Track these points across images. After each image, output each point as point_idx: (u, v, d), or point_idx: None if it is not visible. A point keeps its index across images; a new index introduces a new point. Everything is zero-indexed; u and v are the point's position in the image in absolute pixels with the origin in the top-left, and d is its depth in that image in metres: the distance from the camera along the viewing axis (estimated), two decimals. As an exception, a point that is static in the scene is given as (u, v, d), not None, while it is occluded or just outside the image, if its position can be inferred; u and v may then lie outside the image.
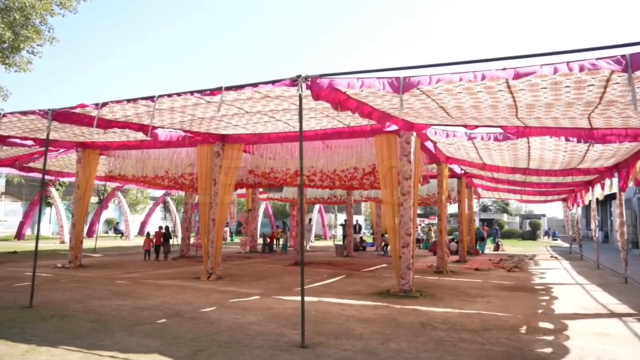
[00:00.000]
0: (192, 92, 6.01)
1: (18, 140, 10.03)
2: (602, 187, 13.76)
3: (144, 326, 5.68)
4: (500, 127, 8.34)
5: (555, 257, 20.08)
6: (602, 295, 9.31)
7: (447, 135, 9.18)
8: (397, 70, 5.21)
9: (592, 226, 15.58)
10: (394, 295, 8.61)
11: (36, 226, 29.28)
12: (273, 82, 5.43)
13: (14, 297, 7.53)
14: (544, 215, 53.83)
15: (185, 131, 9.57)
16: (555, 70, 4.51)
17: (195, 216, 17.18)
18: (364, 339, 5.34)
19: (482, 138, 8.95)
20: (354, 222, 23.14)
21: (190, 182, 12.96)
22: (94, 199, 33.33)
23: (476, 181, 18.61)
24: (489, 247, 24.20)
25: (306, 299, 8.13)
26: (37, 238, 6.98)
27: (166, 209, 36.30)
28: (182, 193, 25.09)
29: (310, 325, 5.95)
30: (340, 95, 6.11)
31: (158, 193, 35.36)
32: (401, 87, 5.06)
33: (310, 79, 5.28)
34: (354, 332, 5.64)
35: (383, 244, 20.45)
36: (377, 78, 5.17)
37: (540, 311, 7.43)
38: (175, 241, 17.86)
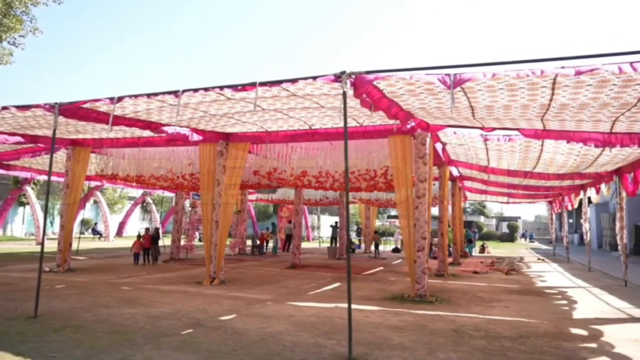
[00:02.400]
0: (221, 87, 5.64)
1: (5, 138, 9.38)
2: (597, 191, 13.97)
3: (170, 338, 5.27)
4: (519, 129, 8.27)
5: (543, 260, 20.37)
6: (610, 298, 9.34)
7: (463, 135, 9.04)
8: (443, 68, 5.00)
9: (585, 229, 15.82)
10: (410, 300, 8.40)
11: (9, 226, 27.97)
12: (314, 78, 5.13)
13: (10, 305, 6.95)
14: (519, 218, 55.01)
15: (191, 129, 9.11)
16: (620, 70, 4.38)
17: (185, 217, 16.57)
18: (407, 349, 5.09)
19: (499, 139, 8.88)
20: (337, 224, 22.85)
21: (190, 182, 12.42)
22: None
23: (468, 184, 18.70)
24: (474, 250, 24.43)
25: (323, 305, 7.91)
26: (43, 242, 6.43)
27: (144, 209, 35.26)
28: (162, 193, 24.37)
29: (344, 334, 5.65)
30: (376, 93, 5.87)
31: (136, 193, 34.32)
32: (452, 82, 4.84)
33: (355, 75, 5.00)
34: (392, 342, 5.38)
35: (374, 244, 20.32)
36: (426, 74, 4.94)
37: (562, 316, 7.34)
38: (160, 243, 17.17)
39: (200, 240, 21.14)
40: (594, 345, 5.49)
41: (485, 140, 9.02)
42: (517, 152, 9.85)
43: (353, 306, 7.66)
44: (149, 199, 30.47)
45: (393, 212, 53.21)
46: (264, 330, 5.78)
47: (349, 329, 4.74)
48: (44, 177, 18.09)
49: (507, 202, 23.74)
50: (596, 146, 8.21)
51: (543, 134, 8.04)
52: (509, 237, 42.92)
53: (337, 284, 10.69)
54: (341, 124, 9.23)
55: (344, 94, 4.99)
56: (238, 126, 9.35)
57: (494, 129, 8.42)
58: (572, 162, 10.08)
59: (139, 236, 14.01)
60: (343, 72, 4.98)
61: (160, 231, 27.19)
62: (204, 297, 8.19)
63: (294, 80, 5.27)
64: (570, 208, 18.61)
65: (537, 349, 5.19)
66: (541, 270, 15.30)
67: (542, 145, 9.12)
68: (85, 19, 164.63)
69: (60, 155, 13.22)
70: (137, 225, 34.35)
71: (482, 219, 56.05)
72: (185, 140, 8.95)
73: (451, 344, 5.36)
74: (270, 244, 21.34)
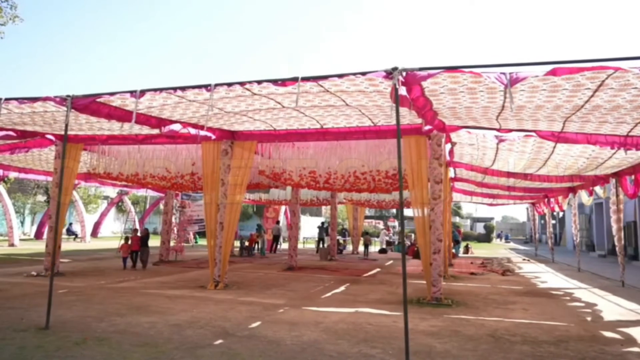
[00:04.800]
0: (259, 81, 5.30)
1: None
2: (591, 193, 14.23)
3: (205, 349, 4.90)
4: (535, 131, 8.23)
5: (529, 260, 20.70)
6: (617, 299, 9.44)
7: (477, 134, 8.95)
8: (496, 67, 4.85)
9: (574, 231, 16.12)
10: (428, 304, 8.24)
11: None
12: (363, 73, 4.87)
13: (13, 315, 6.40)
14: (492, 219, 56.11)
15: (197, 127, 8.67)
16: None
17: (175, 218, 15.97)
18: (457, 357, 4.90)
19: (514, 140, 8.84)
20: (324, 225, 22.70)
21: (190, 182, 11.89)
22: (42, 198, 30.63)
23: (458, 185, 18.78)
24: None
25: (343, 310, 7.64)
26: (54, 245, 5.93)
27: (120, 209, 34.09)
28: (145, 192, 23.53)
29: (384, 342, 5.44)
30: (417, 90, 5.66)
31: (111, 192, 33.10)
32: (508, 82, 4.67)
33: (406, 72, 4.76)
34: (438, 350, 5.18)
35: (364, 245, 20.19)
36: (483, 72, 4.76)
37: (585, 319, 7.32)
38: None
39: (187, 241, 20.50)
40: (637, 349, 5.44)
41: (501, 141, 8.96)
42: (527, 153, 9.84)
43: (374, 311, 7.53)
44: (126, 199, 29.43)
45: (369, 213, 53.32)
46: (299, 339, 5.48)
47: (405, 339, 4.47)
48: (21, 175, 17.10)
49: (491, 204, 24.01)
50: (612, 148, 8.26)
51: (560, 136, 8.02)
52: (486, 238, 43.69)
53: (343, 287, 10.44)
54: (355, 124, 9.04)
55: (396, 91, 4.74)
56: (247, 124, 8.98)
57: (510, 130, 8.37)
58: (581, 164, 10.15)
59: (126, 239, 13.24)
60: (395, 69, 4.74)
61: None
62: (216, 303, 7.80)
63: (341, 75, 4.99)
64: (557, 210, 18.96)
65: (585, 355, 5.09)
66: (533, 271, 15.48)
67: (554, 147, 9.13)
68: (59, 16, 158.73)
69: (46, 152, 12.52)
70: (112, 226, 33.19)
71: (457, 219, 56.86)
72: (193, 138, 8.52)
73: (497, 350, 5.21)
74: (259, 246, 20.88)
